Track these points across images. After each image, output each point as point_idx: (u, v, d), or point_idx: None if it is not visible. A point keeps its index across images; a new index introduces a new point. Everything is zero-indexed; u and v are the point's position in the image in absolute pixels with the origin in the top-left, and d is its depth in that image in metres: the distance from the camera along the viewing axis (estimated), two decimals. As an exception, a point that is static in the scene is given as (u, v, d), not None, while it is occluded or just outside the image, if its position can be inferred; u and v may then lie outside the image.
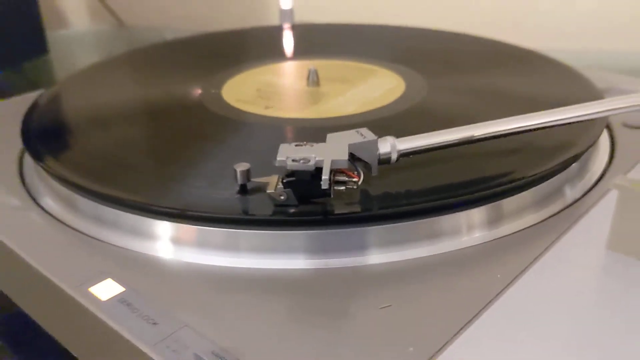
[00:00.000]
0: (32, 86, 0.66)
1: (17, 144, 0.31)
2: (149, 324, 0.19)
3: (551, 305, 0.19)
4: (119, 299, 0.20)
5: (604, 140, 0.30)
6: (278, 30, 0.47)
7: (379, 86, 0.34)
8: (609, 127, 0.31)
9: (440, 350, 0.17)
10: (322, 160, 0.21)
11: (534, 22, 0.73)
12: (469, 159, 0.26)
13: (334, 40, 0.45)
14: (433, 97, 0.32)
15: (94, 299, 0.20)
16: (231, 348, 0.18)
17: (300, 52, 0.43)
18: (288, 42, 0.45)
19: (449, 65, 0.38)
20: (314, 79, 0.34)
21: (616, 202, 0.21)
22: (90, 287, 0.21)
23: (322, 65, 0.37)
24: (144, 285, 0.21)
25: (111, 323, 0.19)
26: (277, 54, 0.42)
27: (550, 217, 0.24)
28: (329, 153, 0.21)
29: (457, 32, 0.44)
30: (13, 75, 0.69)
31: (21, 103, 0.38)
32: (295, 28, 0.47)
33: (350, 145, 0.22)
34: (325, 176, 0.20)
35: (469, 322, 0.18)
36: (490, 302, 0.19)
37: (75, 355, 0.22)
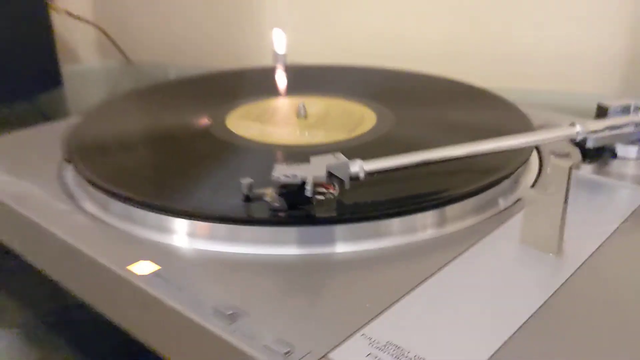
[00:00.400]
0: (44, 117, 0.73)
1: (55, 160, 0.38)
2: (179, 290, 0.25)
3: (475, 280, 0.26)
4: (154, 275, 0.27)
5: (535, 161, 0.38)
6: (273, 71, 0.55)
7: (355, 119, 0.41)
8: (539, 151, 0.39)
9: (388, 306, 0.24)
10: (306, 176, 0.28)
11: (498, 64, 0.81)
12: (425, 176, 0.33)
13: (319, 80, 0.52)
14: (399, 128, 0.40)
15: (133, 275, 0.27)
16: (237, 307, 0.24)
17: (292, 89, 0.50)
18: (281, 81, 0.53)
19: (414, 101, 0.46)
20: (303, 113, 0.42)
21: (524, 208, 0.28)
22: (128, 266, 0.27)
23: (309, 100, 0.44)
24: (170, 266, 0.27)
25: (151, 292, 0.26)
26: (272, 91, 0.50)
27: (485, 220, 0.31)
28: (312, 171, 0.28)
29: (423, 73, 0.52)
30: (25, 106, 0.74)
31: (50, 129, 0.45)
32: (287, 69, 0.55)
33: (327, 165, 0.29)
34: (308, 187, 0.27)
35: (408, 292, 0.25)
36: (432, 274, 0.26)
37: (116, 323, 0.29)
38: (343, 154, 0.30)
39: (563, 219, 0.27)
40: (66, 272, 0.32)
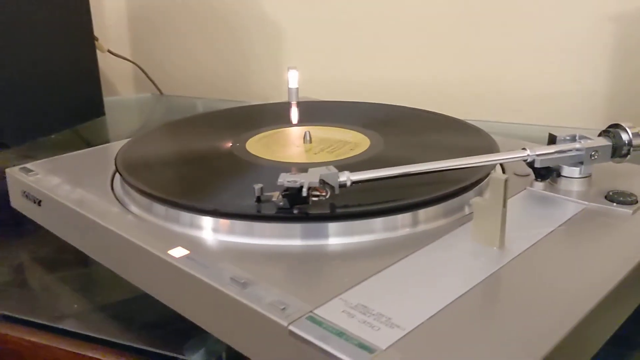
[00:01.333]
0: (86, 143, 0.82)
1: (107, 174, 0.47)
2: (205, 267, 0.34)
3: (430, 265, 0.34)
4: (187, 257, 0.35)
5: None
6: (286, 105, 0.64)
7: (352, 143, 0.50)
8: (503, 168, 0.47)
9: (361, 281, 0.32)
10: (304, 182, 0.36)
11: (490, 101, 0.90)
12: (404, 186, 0.41)
13: (324, 112, 0.61)
14: (387, 150, 0.48)
15: (171, 257, 0.35)
16: (248, 278, 0.32)
17: (301, 120, 0.59)
18: (293, 113, 0.62)
19: (401, 129, 0.55)
20: (308, 139, 0.51)
21: (473, 211, 0.36)
22: (169, 250, 0.36)
23: (315, 129, 0.53)
24: (198, 251, 0.36)
25: (185, 269, 0.34)
26: (285, 121, 0.58)
27: (453, 222, 0.39)
28: (308, 178, 0.37)
29: (410, 107, 0.61)
30: (73, 132, 0.83)
31: (101, 151, 0.54)
32: (298, 104, 0.64)
33: (321, 174, 0.37)
34: (304, 190, 0.36)
35: (377, 272, 0.33)
36: (397, 261, 0.34)
37: (154, 295, 0.37)
38: (337, 168, 0.39)
39: (503, 219, 0.35)
40: (118, 260, 0.40)
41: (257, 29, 1.00)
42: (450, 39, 0.90)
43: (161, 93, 1.02)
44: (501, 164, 0.48)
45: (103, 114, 0.87)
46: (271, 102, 0.70)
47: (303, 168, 0.39)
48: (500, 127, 0.84)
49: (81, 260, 0.47)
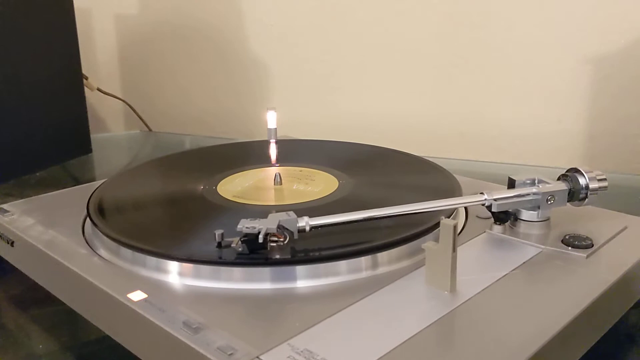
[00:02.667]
0: (73, 180, 0.83)
1: (80, 215, 0.48)
2: (161, 311, 0.35)
3: (381, 309, 0.35)
4: (144, 300, 0.36)
5: (462, 219, 0.47)
6: (263, 144, 0.65)
7: (321, 184, 0.51)
8: (467, 211, 0.48)
9: (312, 325, 0.33)
10: (262, 228, 0.37)
11: (471, 141, 0.91)
12: (366, 229, 0.42)
13: (301, 151, 0.63)
14: (354, 191, 0.49)
15: (130, 300, 0.36)
16: (201, 323, 0.33)
17: (276, 159, 0.60)
18: (269, 152, 0.63)
19: (370, 169, 0.56)
20: (278, 180, 0.52)
21: (426, 256, 0.37)
22: (128, 294, 0.37)
23: (287, 169, 0.54)
24: (157, 295, 0.37)
25: (141, 312, 0.35)
26: (260, 161, 0.60)
27: (415, 263, 0.40)
28: (266, 224, 0.38)
29: (381, 146, 0.62)
30: (60, 169, 0.85)
31: (78, 191, 0.55)
32: (277, 142, 0.65)
33: (280, 220, 0.38)
34: (260, 236, 0.37)
35: (328, 317, 0.34)
36: (349, 305, 0.35)
37: (110, 335, 0.38)
38: (304, 212, 0.40)
39: (453, 264, 0.36)
40: (82, 303, 0.41)
41: (245, 68, 1.03)
42: (433, 79, 0.92)
43: (150, 130, 1.04)
44: (465, 207, 0.49)
45: (90, 151, 0.89)
46: (255, 139, 0.72)
47: (268, 211, 0.40)
48: (481, 167, 0.86)
49: (53, 300, 0.48)
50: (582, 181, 0.45)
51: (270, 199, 0.49)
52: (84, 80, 0.91)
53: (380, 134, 0.94)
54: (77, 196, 0.54)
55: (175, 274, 0.39)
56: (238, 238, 0.39)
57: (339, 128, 0.96)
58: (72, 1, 0.83)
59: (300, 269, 0.38)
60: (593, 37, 0.82)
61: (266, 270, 0.38)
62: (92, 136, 0.91)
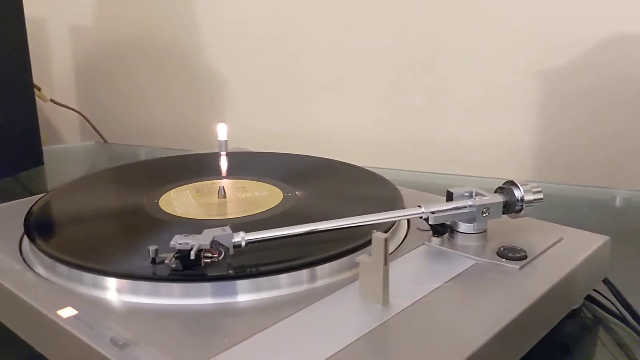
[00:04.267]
0: (26, 192, 0.82)
1: (18, 231, 0.47)
2: (90, 328, 0.34)
3: (312, 324, 0.35)
4: (74, 317, 0.35)
5: (403, 231, 0.47)
6: (213, 156, 0.65)
7: (265, 197, 0.51)
8: (409, 223, 0.49)
9: (241, 341, 0.33)
10: (195, 244, 0.37)
11: (426, 152, 0.92)
12: (305, 243, 0.42)
13: (250, 164, 0.63)
14: (296, 204, 0.50)
15: (59, 317, 0.36)
16: (129, 339, 0.33)
17: (223, 172, 0.60)
18: (217, 165, 0.63)
19: (316, 182, 0.56)
20: (222, 194, 0.52)
21: (359, 269, 0.37)
22: (58, 310, 0.36)
23: (232, 182, 0.54)
24: (87, 311, 0.36)
25: (68, 328, 0.34)
26: (207, 174, 0.60)
27: (349, 277, 0.40)
28: (200, 240, 0.38)
29: (326, 157, 0.63)
30: (10, 181, 0.84)
31: (20, 205, 0.54)
32: (227, 155, 0.65)
33: (215, 236, 0.38)
34: (192, 252, 0.37)
35: (257, 332, 0.34)
36: (291, 314, 0.35)
37: (42, 353, 0.37)
38: (245, 225, 0.40)
39: (385, 277, 0.36)
40: (16, 320, 0.40)
41: (202, 79, 1.02)
42: (387, 91, 0.93)
43: (105, 141, 1.03)
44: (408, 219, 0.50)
45: (42, 163, 0.87)
46: (210, 150, 0.71)
47: (208, 226, 0.40)
48: (434, 178, 0.87)
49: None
50: (517, 194, 0.46)
51: (212, 213, 0.49)
52: (37, 91, 0.89)
53: (334, 145, 0.94)
54: (17, 210, 0.53)
55: (113, 291, 0.39)
56: (172, 254, 0.38)
57: (295, 139, 0.97)
58: (23, 11, 0.82)
59: (237, 283, 0.38)
60: (540, 52, 0.84)
61: (204, 286, 0.38)
62: (46, 148, 0.90)
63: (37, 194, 0.58)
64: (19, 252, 0.45)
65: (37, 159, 0.87)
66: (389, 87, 0.92)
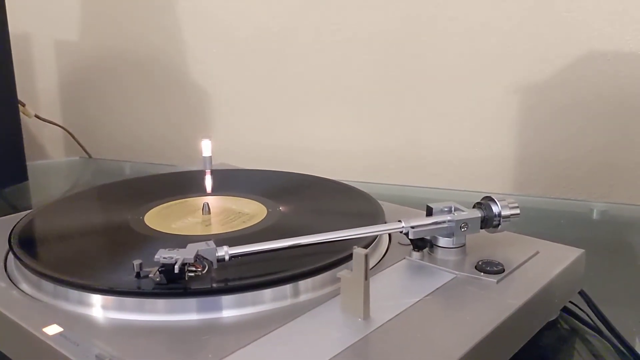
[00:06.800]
0: (11, 208, 0.82)
1: (3, 249, 0.48)
2: (75, 345, 0.35)
3: (301, 336, 0.36)
4: (60, 334, 0.36)
5: (384, 245, 0.48)
6: (197, 173, 0.66)
7: (249, 213, 0.52)
8: (390, 238, 0.49)
9: (225, 356, 0.34)
10: (179, 258, 0.38)
11: (410, 167, 0.94)
12: (287, 257, 0.43)
13: (234, 180, 0.63)
14: (281, 221, 0.50)
15: (44, 334, 0.36)
16: (115, 356, 0.33)
17: (208, 189, 0.61)
18: (203, 182, 0.64)
19: (300, 198, 0.57)
20: (207, 210, 0.52)
21: (341, 284, 0.38)
22: (44, 328, 0.37)
23: (217, 199, 0.55)
24: (73, 328, 0.37)
25: (54, 346, 0.35)
26: (191, 190, 0.60)
27: (331, 292, 0.41)
28: (184, 255, 0.38)
29: (309, 174, 0.64)
30: None
31: (4, 222, 0.55)
32: (212, 172, 0.66)
33: (199, 250, 0.39)
34: (176, 267, 0.37)
35: (241, 347, 0.35)
36: (274, 329, 0.36)
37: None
38: (229, 241, 0.40)
39: (366, 292, 0.37)
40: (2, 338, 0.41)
41: (187, 95, 1.03)
42: (370, 106, 0.94)
43: (90, 156, 1.03)
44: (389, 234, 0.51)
45: (26, 179, 0.87)
46: (194, 166, 0.72)
47: (193, 241, 0.41)
48: (417, 192, 0.88)
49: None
50: (495, 209, 0.47)
51: (197, 229, 0.49)
52: (21, 107, 0.89)
53: (318, 160, 0.95)
54: (2, 227, 0.53)
55: (98, 307, 0.39)
56: (156, 268, 0.39)
57: (281, 152, 0.98)
58: (7, 26, 0.83)
59: (221, 299, 0.39)
60: (520, 68, 0.86)
61: (189, 302, 0.39)
62: (30, 163, 0.90)
63: (22, 209, 0.58)
64: (4, 269, 0.45)
65: (21, 174, 0.87)
66: (371, 103, 0.94)
